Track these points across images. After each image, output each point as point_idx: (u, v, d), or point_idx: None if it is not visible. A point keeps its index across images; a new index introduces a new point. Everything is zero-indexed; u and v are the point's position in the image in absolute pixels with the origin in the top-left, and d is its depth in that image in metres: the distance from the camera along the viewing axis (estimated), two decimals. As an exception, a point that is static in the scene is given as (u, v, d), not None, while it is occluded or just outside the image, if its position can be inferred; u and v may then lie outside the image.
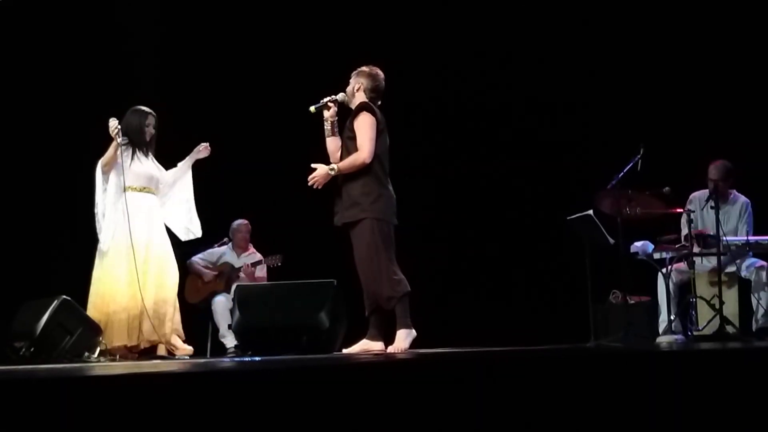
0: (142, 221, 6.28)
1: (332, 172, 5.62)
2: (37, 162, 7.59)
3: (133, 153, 6.38)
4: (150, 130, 6.46)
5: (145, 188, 6.41)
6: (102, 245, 6.27)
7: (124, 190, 6.31)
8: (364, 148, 5.58)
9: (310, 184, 5.67)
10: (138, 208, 6.31)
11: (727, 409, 3.55)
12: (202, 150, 6.62)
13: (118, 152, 6.25)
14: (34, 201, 7.54)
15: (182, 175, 6.63)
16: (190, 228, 6.62)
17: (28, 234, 7.50)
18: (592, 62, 8.19)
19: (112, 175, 6.32)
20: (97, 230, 6.27)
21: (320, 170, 5.66)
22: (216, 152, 6.66)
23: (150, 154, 6.51)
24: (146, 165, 6.44)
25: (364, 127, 5.61)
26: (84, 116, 7.72)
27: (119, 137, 6.24)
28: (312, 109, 5.80)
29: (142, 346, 6.20)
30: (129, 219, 6.18)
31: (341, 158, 5.74)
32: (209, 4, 8.29)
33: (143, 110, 6.47)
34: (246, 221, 8.09)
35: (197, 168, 6.73)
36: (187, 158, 6.65)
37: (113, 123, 6.24)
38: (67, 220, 7.55)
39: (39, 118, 7.65)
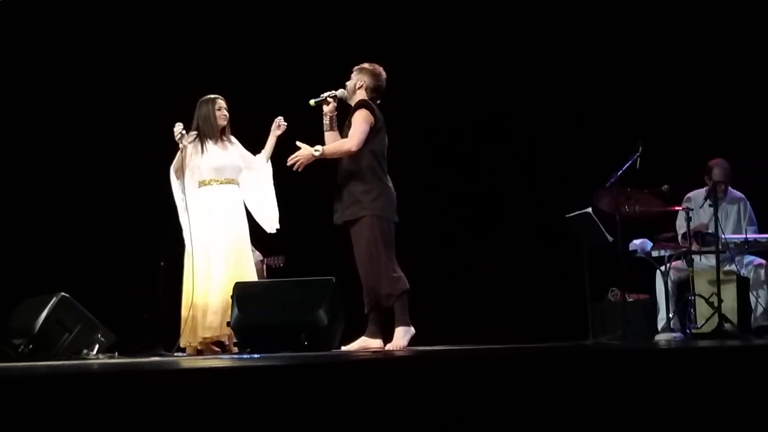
0: (219, 215, 6.15)
1: (317, 154, 5.62)
2: (36, 159, 7.59)
3: (203, 146, 6.18)
4: (223, 113, 6.25)
5: (222, 180, 6.21)
6: (188, 245, 6.16)
7: (200, 186, 6.19)
8: (354, 137, 5.60)
9: (290, 164, 5.66)
10: (213, 202, 6.16)
11: (726, 407, 3.55)
12: (277, 128, 6.33)
13: (188, 153, 6.10)
14: (33, 196, 7.54)
15: (265, 163, 6.38)
16: (267, 220, 6.38)
17: (28, 230, 7.49)
18: (591, 60, 8.19)
19: (188, 175, 6.17)
20: (184, 235, 6.18)
21: (304, 150, 5.66)
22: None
23: (228, 140, 6.29)
24: (220, 155, 6.21)
25: (359, 119, 5.65)
26: (85, 113, 7.74)
27: (184, 141, 6.07)
28: (312, 102, 5.85)
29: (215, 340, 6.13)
30: (205, 215, 6.11)
31: (340, 158, 5.75)
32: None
33: (210, 97, 6.27)
34: None
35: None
36: (269, 139, 6.38)
37: (177, 128, 6.07)
38: (68, 216, 7.56)
39: (37, 115, 7.65)
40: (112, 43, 7.77)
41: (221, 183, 6.24)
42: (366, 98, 5.74)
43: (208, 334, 6.08)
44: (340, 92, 5.83)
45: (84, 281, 6.83)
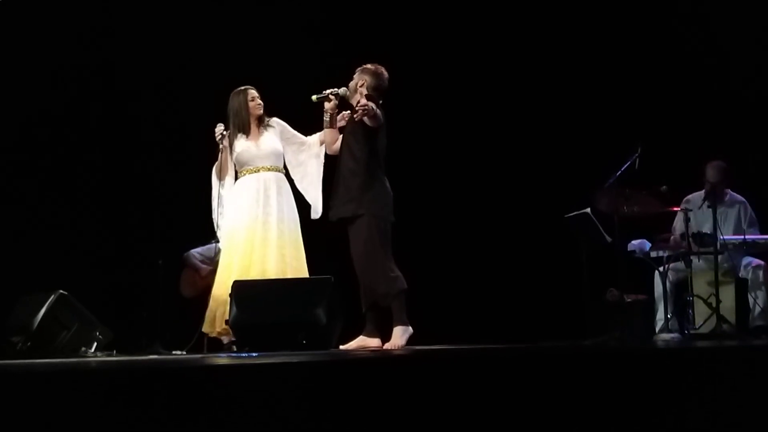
0: (251, 204, 6.08)
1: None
2: (35, 157, 7.59)
3: (233, 142, 6.14)
4: (257, 102, 6.18)
5: (259, 168, 6.13)
6: (221, 242, 6.20)
7: (236, 177, 6.18)
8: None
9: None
10: (247, 190, 6.11)
11: (724, 408, 3.55)
12: (342, 119, 6.14)
13: (226, 155, 6.10)
14: (32, 194, 7.54)
15: (318, 145, 6.23)
16: (312, 204, 6.25)
17: (26, 227, 7.49)
18: (590, 60, 8.19)
19: (229, 176, 6.19)
20: (218, 236, 6.20)
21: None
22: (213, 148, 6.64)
23: (265, 128, 6.21)
24: (248, 147, 6.14)
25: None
26: (85, 111, 7.74)
27: (225, 141, 6.07)
28: (314, 98, 5.89)
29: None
30: (232, 208, 6.10)
31: (340, 154, 5.79)
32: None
33: (241, 88, 6.21)
34: None
35: (192, 166, 6.70)
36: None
37: (218, 129, 6.08)
38: (67, 213, 7.56)
39: (38, 113, 7.65)
40: (114, 43, 7.77)
41: (251, 172, 6.16)
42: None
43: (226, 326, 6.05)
44: (342, 90, 5.86)
45: (82, 279, 6.83)
